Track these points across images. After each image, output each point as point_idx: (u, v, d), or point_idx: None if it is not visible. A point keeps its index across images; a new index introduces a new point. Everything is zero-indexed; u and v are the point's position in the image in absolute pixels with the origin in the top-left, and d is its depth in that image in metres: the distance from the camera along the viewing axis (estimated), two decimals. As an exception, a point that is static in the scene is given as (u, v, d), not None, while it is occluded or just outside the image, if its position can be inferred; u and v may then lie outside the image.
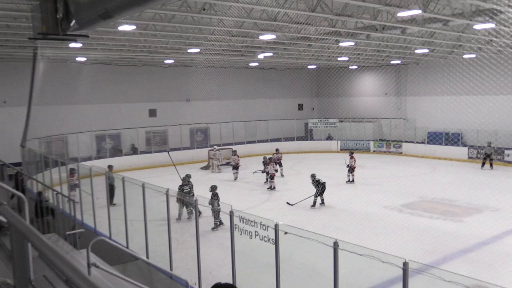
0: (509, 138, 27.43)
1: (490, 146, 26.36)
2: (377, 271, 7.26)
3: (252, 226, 8.12)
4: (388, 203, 17.71)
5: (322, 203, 17.89)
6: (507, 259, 11.88)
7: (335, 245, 6.34)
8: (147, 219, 10.86)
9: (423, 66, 32.73)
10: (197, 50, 22.48)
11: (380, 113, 36.18)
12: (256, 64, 32.06)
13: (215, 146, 29.18)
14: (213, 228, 14.16)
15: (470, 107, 26.74)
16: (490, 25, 15.91)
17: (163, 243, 10.38)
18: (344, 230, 13.77)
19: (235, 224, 8.29)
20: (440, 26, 17.21)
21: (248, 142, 33.56)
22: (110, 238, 11.54)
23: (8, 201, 9.25)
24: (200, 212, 13.62)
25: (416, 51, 24.94)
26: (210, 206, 13.41)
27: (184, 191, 16.01)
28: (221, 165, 27.59)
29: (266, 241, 7.74)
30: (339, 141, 34.88)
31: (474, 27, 16.85)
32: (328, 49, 23.71)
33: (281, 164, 24.72)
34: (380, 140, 34.94)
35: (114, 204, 14.21)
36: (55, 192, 12.43)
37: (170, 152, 22.93)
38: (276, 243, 7.36)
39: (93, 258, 6.45)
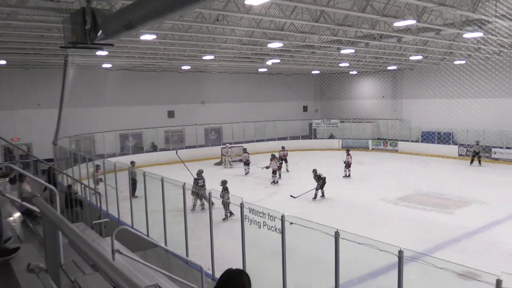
0: (496, 137, 27.27)
1: (478, 144, 26.19)
2: (374, 259, 7.22)
3: (261, 217, 8.13)
4: (385, 196, 17.63)
5: (323, 195, 17.90)
6: (493, 248, 11.79)
7: (336, 235, 6.32)
8: (166, 210, 10.91)
9: (417, 72, 32.51)
10: (211, 57, 22.48)
11: (378, 114, 35.99)
12: (265, 69, 32.00)
13: (227, 144, 29.23)
14: (223, 219, 14.13)
15: (460, 109, 26.57)
16: (479, 34, 15.78)
17: (179, 232, 10.42)
18: (344, 221, 13.72)
19: (245, 215, 8.30)
20: (433, 35, 17.08)
21: (257, 141, 33.51)
22: (132, 227, 11.63)
23: (41, 194, 9.35)
24: (213, 203, 13.63)
25: (411, 58, 24.76)
26: (221, 198, 13.41)
27: (199, 184, 16.07)
28: (232, 161, 27.61)
29: (273, 230, 7.73)
30: (340, 140, 34.73)
31: (464, 36, 16.71)
32: (331, 56, 23.60)
33: (286, 160, 24.69)
34: (378, 139, 34.75)
35: (136, 197, 14.27)
36: (83, 186, 12.55)
37: (178, 152, 22.95)
38: (282, 232, 7.36)
39: (117, 245, 6.49)
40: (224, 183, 15.42)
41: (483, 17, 12.81)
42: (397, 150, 32.48)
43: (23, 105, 25.49)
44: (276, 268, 7.60)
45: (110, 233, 6.55)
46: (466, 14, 12.88)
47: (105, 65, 25.59)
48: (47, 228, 2.85)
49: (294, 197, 17.67)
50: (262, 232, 8.03)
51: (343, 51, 21.29)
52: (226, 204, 13.93)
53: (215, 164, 27.84)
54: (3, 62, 21.74)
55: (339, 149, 33.26)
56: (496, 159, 26.87)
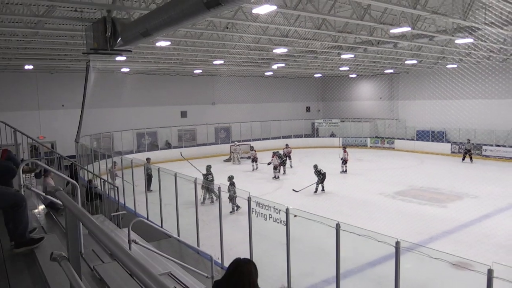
0: (487, 136, 27.03)
1: (469, 142, 26.03)
2: (373, 249, 7.18)
3: (267, 210, 8.10)
4: (382, 191, 17.54)
5: (323, 190, 17.87)
6: (484, 240, 11.68)
7: (337, 227, 6.29)
8: (178, 203, 10.91)
9: (412, 75, 32.31)
10: (221, 61, 22.47)
11: (375, 114, 35.83)
12: (270, 73, 31.93)
13: (235, 142, 29.24)
14: (231, 212, 14.06)
15: (453, 109, 26.39)
16: (469, 40, 15.63)
17: (191, 224, 10.41)
18: (344, 214, 13.67)
19: (252, 208, 8.28)
20: (427, 41, 16.96)
21: (264, 139, 33.49)
22: (147, 219, 11.65)
23: (64, 188, 9.38)
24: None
25: (406, 62, 24.62)
26: (228, 193, 13.37)
27: (208, 179, 16.04)
28: (241, 158, 27.61)
29: (278, 222, 7.71)
30: (340, 138, 34.58)
31: (456, 41, 16.56)
32: (332, 60, 23.53)
33: (290, 157, 24.64)
34: (375, 137, 34.60)
35: (151, 191, 14.30)
36: (102, 180, 12.57)
37: (182, 153, 23.05)
38: (287, 224, 7.33)
39: (133, 235, 6.50)
40: (231, 178, 15.35)
41: (474, 24, 12.70)
42: (394, 148, 32.30)
43: (48, 106, 25.68)
44: (281, 257, 7.58)
45: (127, 224, 6.56)
46: (458, 22, 12.76)
47: (123, 69, 25.70)
48: (69, 220, 2.84)
49: (296, 191, 17.63)
50: (268, 224, 8.00)
51: (343, 56, 21.19)
52: (233, 198, 13.90)
53: (224, 160, 27.85)
54: (31, 66, 21.90)
55: (339, 147, 33.08)
56: (487, 156, 26.68)
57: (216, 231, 9.40)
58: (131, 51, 12.40)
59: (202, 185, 14.47)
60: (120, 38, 9.97)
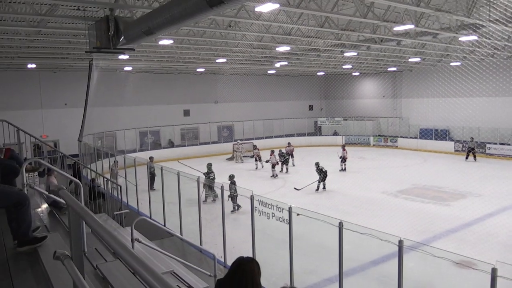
0: (490, 134, 26.96)
1: (472, 140, 25.96)
2: (376, 248, 7.18)
3: (269, 208, 8.10)
4: (385, 189, 17.50)
5: (324, 188, 17.88)
6: (488, 239, 11.64)
7: (340, 225, 6.28)
8: (181, 202, 10.92)
9: (416, 73, 32.20)
10: (224, 60, 22.46)
11: (378, 113, 35.73)
12: (273, 71, 31.90)
13: (238, 141, 29.24)
14: (232, 211, 13.96)
15: (456, 107, 26.26)
16: (473, 37, 15.56)
17: (194, 222, 10.42)
18: (347, 212, 13.67)
19: (255, 207, 8.28)
20: (430, 39, 16.87)
21: (266, 137, 33.44)
22: (150, 217, 11.65)
23: (67, 186, 9.40)
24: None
25: (410, 60, 24.56)
26: (228, 191, 13.33)
27: (210, 177, 16.00)
28: (243, 156, 27.61)
29: (281, 221, 7.70)
30: (343, 137, 34.51)
31: (460, 39, 16.48)
32: (334, 58, 23.50)
33: (293, 155, 24.60)
34: (378, 135, 34.49)
35: (154, 189, 14.31)
36: (105, 179, 12.60)
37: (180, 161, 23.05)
38: (289, 223, 7.32)
39: (136, 234, 6.51)
40: (231, 177, 15.31)
41: (478, 21, 12.64)
42: (397, 146, 32.22)
43: (51, 105, 25.74)
44: (284, 256, 7.57)
45: (130, 223, 6.58)
46: (462, 19, 12.72)
47: (126, 68, 25.74)
48: (72, 218, 2.85)
49: (298, 189, 17.63)
50: (270, 223, 8.00)
51: (346, 54, 21.16)
52: (234, 197, 13.87)
53: (227, 159, 27.87)
54: (34, 65, 21.95)
55: (345, 145, 33.12)
56: (491, 155, 26.58)
57: (218, 230, 9.41)
58: (134, 50, 12.40)
59: (204, 184, 14.48)
60: (123, 37, 9.99)
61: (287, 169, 22.68)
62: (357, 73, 35.82)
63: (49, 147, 15.40)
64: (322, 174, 17.77)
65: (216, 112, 32.91)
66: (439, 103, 28.30)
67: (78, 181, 6.07)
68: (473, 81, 23.87)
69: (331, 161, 21.68)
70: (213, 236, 10.09)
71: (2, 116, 9.65)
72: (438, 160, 26.15)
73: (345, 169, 22.40)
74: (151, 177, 15.89)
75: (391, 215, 13.57)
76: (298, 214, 7.23)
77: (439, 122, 29.60)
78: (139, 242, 6.44)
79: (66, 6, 11.01)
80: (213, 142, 31.45)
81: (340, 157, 22.37)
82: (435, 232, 12.11)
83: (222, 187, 9.42)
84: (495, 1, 11.34)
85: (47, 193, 6.51)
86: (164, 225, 11.01)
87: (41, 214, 6.72)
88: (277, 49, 19.12)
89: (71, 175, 8.37)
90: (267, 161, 22.19)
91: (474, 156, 25.38)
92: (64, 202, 3.19)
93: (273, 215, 7.98)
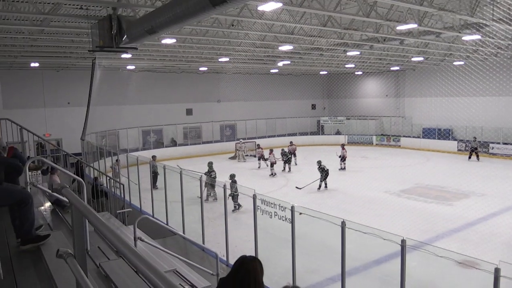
0: (494, 133, 26.87)
1: (475, 140, 25.90)
2: (378, 247, 7.17)
3: (272, 207, 8.10)
4: (388, 189, 17.47)
5: (325, 186, 17.88)
6: (491, 238, 11.60)
7: (343, 224, 6.28)
8: (183, 200, 10.92)
9: (419, 72, 32.11)
10: (227, 59, 22.45)
11: (381, 112, 35.65)
12: (276, 70, 31.87)
13: (241, 140, 29.23)
14: (233, 210, 13.88)
15: (460, 107, 26.17)
16: (477, 37, 15.51)
17: (196, 221, 10.43)
18: (349, 211, 13.64)
19: (258, 206, 8.27)
20: (433, 38, 16.82)
21: (269, 136, 33.41)
22: (153, 216, 11.67)
23: (70, 185, 9.43)
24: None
25: (413, 59, 24.50)
26: (230, 190, 13.29)
27: (212, 176, 15.99)
28: (246, 155, 27.61)
29: (283, 220, 7.71)
30: (346, 136, 34.49)
31: (463, 38, 16.45)
32: (337, 57, 23.45)
33: (295, 154, 24.59)
34: (381, 135, 34.43)
35: (157, 188, 14.34)
36: (108, 178, 12.62)
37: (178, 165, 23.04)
38: (292, 222, 7.32)
39: (139, 233, 6.53)
40: (232, 176, 15.27)
41: (481, 20, 12.59)
42: (400, 146, 32.17)
43: (54, 104, 25.80)
44: (287, 255, 7.58)
45: (133, 221, 6.59)
46: (465, 18, 12.67)
47: (129, 67, 25.76)
48: (75, 217, 2.85)
49: (300, 188, 17.63)
50: (273, 222, 8.00)
51: (349, 53, 21.12)
52: (234, 196, 13.85)
53: (230, 158, 27.88)
54: (37, 64, 21.99)
55: (345, 144, 33.08)
56: (494, 154, 26.51)
57: (221, 229, 9.41)
58: (137, 49, 12.42)
59: (205, 182, 14.47)
60: (125, 36, 10.00)
61: (289, 168, 22.67)
62: (360, 72, 35.74)
63: (52, 146, 15.44)
64: (324, 172, 17.79)
65: (218, 111, 32.91)
66: (442, 103, 28.21)
67: (81, 179, 6.08)
68: (476, 81, 23.79)
69: (333, 160, 21.66)
70: (215, 235, 10.10)
71: (6, 114, 9.68)
72: (441, 159, 26.08)
73: (344, 168, 22.39)
74: (154, 175, 15.93)
75: (393, 214, 13.55)
76: (300, 213, 7.23)
77: (442, 121, 29.51)
78: (142, 240, 6.45)
79: (69, 5, 11.03)
80: (216, 141, 31.46)
81: (339, 156, 22.38)
82: (438, 232, 12.08)
83: (224, 186, 9.42)
84: (498, 0, 11.30)
85: (50, 191, 6.53)
86: (167, 224, 11.02)
87: (44, 213, 6.73)
88: (280, 48, 19.11)
89: (74, 174, 8.39)
90: (265, 160, 22.16)
91: (477, 156, 25.29)
92: (67, 200, 3.20)
93: (275, 214, 7.98)
